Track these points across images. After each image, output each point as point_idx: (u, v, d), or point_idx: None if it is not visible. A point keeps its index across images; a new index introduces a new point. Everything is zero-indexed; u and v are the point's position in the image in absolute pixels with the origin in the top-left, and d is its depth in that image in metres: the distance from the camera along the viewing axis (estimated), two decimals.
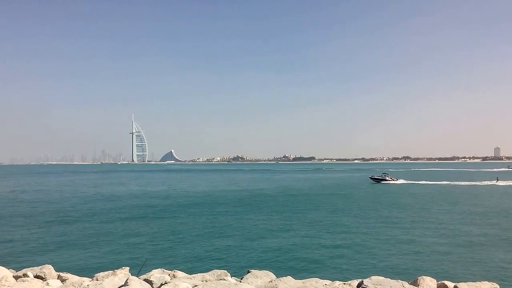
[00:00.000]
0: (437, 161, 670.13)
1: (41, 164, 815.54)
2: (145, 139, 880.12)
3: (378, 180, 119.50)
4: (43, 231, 41.52)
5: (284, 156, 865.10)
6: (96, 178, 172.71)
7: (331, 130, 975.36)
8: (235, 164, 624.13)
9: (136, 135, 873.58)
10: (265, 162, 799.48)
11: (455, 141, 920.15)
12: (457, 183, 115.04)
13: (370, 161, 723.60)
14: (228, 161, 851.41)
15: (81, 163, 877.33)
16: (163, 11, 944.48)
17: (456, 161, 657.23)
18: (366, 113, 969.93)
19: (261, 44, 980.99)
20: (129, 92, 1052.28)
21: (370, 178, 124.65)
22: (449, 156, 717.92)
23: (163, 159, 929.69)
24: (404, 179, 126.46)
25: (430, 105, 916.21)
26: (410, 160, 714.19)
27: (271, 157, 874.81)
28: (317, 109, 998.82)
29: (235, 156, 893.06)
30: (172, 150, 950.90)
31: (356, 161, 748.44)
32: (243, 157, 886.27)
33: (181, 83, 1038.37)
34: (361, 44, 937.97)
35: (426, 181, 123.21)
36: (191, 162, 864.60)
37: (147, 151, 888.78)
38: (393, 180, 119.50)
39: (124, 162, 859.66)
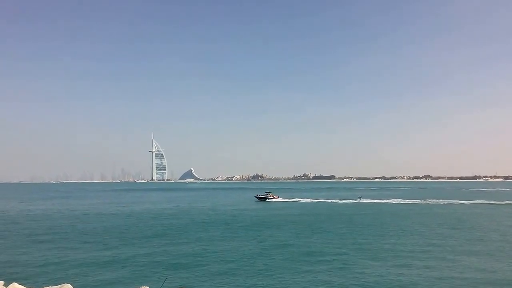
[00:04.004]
0: (458, 180, 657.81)
1: (60, 182, 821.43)
2: (164, 158, 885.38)
3: (260, 199, 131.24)
4: (65, 249, 41.90)
5: (304, 175, 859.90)
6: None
7: (352, 148, 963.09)
8: (255, 183, 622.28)
9: (156, 154, 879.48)
10: (285, 181, 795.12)
11: (477, 160, 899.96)
12: (334, 200, 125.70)
13: (391, 180, 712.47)
14: (247, 180, 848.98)
15: (101, 181, 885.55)
16: (184, 33, 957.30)
17: (477, 180, 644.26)
18: (387, 132, 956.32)
19: (281, 63, 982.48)
20: (149, 110, 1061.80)
21: (255, 196, 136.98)
22: (470, 175, 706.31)
23: (183, 177, 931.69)
24: (283, 197, 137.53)
25: (452, 124, 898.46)
26: (431, 179, 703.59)
27: (291, 176, 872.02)
28: (338, 127, 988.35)
29: (255, 174, 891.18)
30: (192, 169, 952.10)
31: (376, 180, 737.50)
32: (263, 175, 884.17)
33: (201, 102, 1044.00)
34: (381, 62, 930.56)
35: (301, 198, 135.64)
36: (211, 181, 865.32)
37: (166, 169, 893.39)
38: (274, 197, 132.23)
39: (143, 181, 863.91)
